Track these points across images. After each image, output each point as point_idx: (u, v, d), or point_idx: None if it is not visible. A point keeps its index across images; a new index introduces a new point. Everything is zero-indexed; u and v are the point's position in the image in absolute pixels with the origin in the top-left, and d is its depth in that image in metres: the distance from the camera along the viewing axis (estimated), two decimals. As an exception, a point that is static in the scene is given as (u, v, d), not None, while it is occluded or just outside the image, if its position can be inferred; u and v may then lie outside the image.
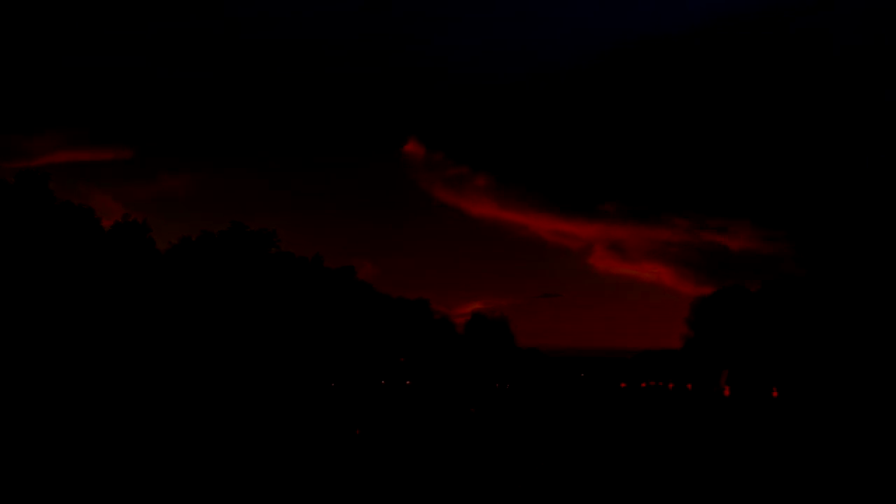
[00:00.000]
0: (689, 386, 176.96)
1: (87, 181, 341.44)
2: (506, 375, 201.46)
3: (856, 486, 22.77)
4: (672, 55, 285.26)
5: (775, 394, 78.28)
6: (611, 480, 22.82)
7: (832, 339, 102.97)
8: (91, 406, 54.23)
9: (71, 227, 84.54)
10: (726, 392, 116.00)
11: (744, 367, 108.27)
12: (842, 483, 23.38)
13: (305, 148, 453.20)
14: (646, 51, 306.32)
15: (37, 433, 35.98)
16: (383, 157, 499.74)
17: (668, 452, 30.52)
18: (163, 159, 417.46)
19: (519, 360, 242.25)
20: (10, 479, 22.81)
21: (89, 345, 74.59)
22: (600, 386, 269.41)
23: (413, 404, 63.28)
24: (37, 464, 26.19)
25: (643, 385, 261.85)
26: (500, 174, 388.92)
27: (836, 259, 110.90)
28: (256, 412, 49.16)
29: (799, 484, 23.19)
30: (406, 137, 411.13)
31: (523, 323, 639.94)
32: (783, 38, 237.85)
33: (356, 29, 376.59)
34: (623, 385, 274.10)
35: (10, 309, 74.47)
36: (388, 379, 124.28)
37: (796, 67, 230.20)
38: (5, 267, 76.46)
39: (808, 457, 30.22)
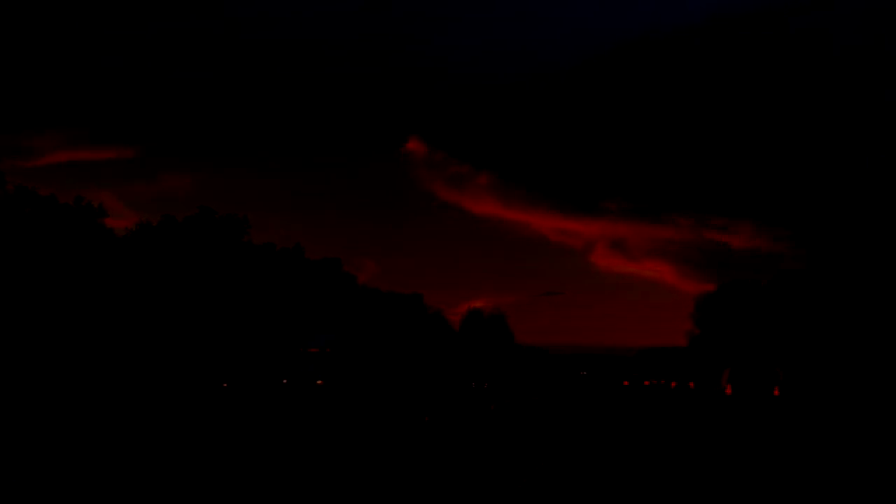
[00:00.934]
0: (692, 384, 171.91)
1: (89, 180, 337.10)
2: (493, 372, 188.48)
3: (857, 487, 21.07)
4: (673, 54, 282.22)
5: (777, 392, 73.40)
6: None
7: (837, 337, 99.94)
8: (24, 397, 48.57)
9: (20, 213, 79.09)
10: (728, 391, 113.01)
11: (746, 365, 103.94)
12: (843, 483, 21.71)
13: (306, 148, 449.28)
14: (646, 49, 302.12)
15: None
16: (384, 156, 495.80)
17: (668, 456, 27.74)
18: (164, 159, 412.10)
19: (517, 357, 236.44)
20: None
21: (28, 333, 68.80)
22: (602, 384, 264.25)
23: (324, 412, 48.85)
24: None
25: (646, 383, 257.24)
26: (502, 172, 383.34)
27: (838, 256, 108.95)
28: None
29: (798, 484, 21.46)
30: (407, 136, 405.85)
31: (525, 321, 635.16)
32: (783, 38, 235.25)
33: (356, 29, 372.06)
34: (626, 383, 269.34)
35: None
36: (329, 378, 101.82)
37: (796, 67, 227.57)
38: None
39: (808, 456, 28.24)
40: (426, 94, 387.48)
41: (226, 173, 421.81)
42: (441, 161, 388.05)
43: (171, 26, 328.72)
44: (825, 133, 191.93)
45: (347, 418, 44.65)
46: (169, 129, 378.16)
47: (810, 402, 72.96)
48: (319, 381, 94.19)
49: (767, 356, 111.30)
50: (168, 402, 53.38)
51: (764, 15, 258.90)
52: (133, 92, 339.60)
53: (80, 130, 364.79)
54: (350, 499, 18.58)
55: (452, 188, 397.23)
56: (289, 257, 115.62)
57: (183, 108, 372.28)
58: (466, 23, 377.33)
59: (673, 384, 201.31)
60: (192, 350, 77.16)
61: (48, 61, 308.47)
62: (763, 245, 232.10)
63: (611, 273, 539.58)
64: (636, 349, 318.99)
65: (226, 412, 46.83)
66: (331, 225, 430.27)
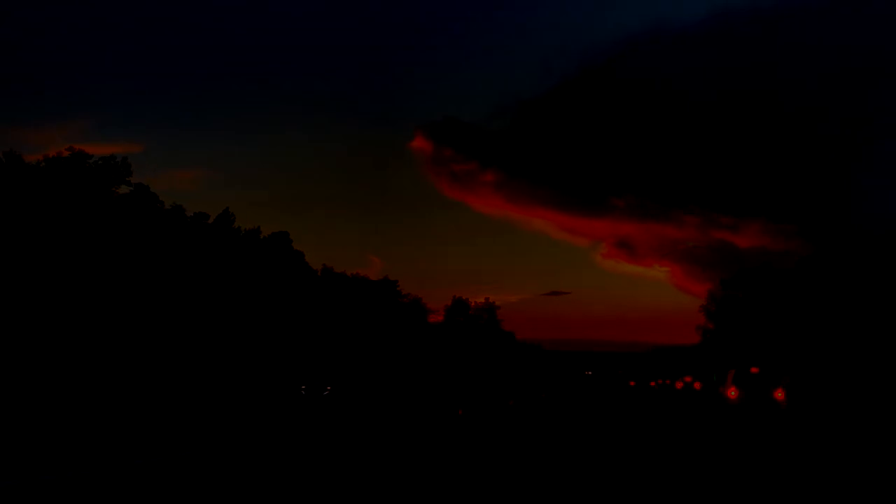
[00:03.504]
0: (697, 386, 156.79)
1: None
2: (466, 370, 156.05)
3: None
4: (680, 52, 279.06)
5: (781, 394, 59.93)
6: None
7: (842, 335, 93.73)
8: None
9: None
10: (733, 393, 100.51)
11: (750, 366, 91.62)
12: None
13: (313, 145, 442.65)
14: (654, 47, 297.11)
15: None
16: (391, 153, 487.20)
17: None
18: (171, 155, 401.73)
19: (518, 354, 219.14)
20: None
21: None
22: (607, 385, 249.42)
23: None
24: None
25: (652, 384, 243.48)
26: (508, 170, 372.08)
27: (841, 254, 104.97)
28: None
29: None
30: (414, 133, 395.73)
31: (531, 319, 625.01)
32: (785, 38, 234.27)
33: (356, 28, 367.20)
34: (633, 384, 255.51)
35: None
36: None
37: (798, 66, 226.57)
38: None
39: (809, 459, 25.97)
40: (433, 90, 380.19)
41: (231, 170, 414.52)
42: (448, 158, 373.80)
43: (175, 24, 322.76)
44: (828, 130, 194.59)
45: None
46: (176, 124, 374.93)
47: (817, 403, 65.34)
48: None
49: (777, 355, 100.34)
50: None
51: (765, 14, 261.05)
52: (138, 88, 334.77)
53: (89, 124, 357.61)
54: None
55: (459, 185, 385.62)
56: (212, 227, 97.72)
57: (187, 107, 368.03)
58: (474, 19, 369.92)
59: (679, 385, 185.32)
60: None
61: (56, 55, 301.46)
62: (772, 243, 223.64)
63: (616, 272, 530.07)
64: (644, 347, 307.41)
65: None
66: (338, 221, 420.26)
